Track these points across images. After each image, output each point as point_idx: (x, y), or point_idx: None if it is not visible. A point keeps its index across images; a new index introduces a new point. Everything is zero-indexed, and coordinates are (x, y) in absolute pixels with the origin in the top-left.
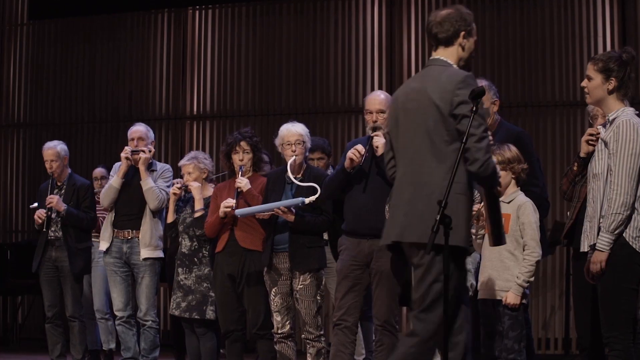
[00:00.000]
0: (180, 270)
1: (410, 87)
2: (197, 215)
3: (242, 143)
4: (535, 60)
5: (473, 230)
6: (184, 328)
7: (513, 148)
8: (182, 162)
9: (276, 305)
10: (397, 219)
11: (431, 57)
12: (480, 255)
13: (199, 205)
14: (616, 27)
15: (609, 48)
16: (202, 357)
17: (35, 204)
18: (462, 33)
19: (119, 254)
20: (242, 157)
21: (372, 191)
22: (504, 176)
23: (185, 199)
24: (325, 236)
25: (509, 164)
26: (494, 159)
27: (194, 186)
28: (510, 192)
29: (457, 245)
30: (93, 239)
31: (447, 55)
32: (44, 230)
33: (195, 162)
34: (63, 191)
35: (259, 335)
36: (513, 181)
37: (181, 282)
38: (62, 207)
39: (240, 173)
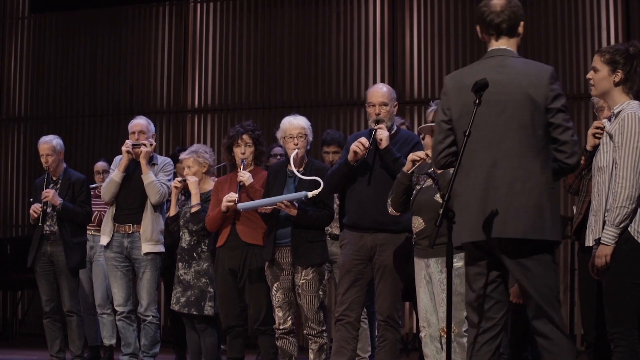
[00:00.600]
0: (180, 265)
1: (489, 78)
2: (193, 210)
3: (244, 136)
4: (539, 54)
5: None
6: (184, 323)
7: None
8: (182, 156)
9: (278, 300)
10: (491, 216)
11: (496, 48)
12: None
13: (195, 200)
14: (620, 20)
15: (612, 41)
16: (203, 353)
17: (32, 200)
18: (522, 23)
19: (119, 249)
20: (244, 151)
21: (376, 184)
22: None
23: (189, 193)
24: (337, 230)
25: None
26: None
27: (191, 180)
28: None
29: (558, 240)
30: (94, 234)
31: (511, 45)
32: (39, 224)
33: (194, 156)
34: (58, 186)
35: (261, 331)
36: None
37: (181, 277)
38: (58, 201)
39: (242, 166)
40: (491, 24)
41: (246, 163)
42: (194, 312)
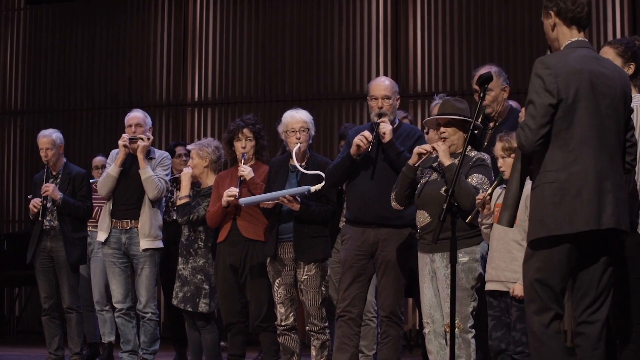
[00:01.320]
0: (180, 259)
1: (594, 68)
2: (180, 202)
3: (245, 130)
4: (544, 46)
5: (479, 220)
6: (184, 320)
7: None
8: (189, 146)
9: (280, 296)
10: (607, 205)
11: (582, 39)
12: (488, 245)
13: (184, 192)
14: (626, 12)
15: (619, 34)
16: (204, 350)
17: (30, 196)
18: None
19: (117, 245)
20: (244, 145)
21: (379, 178)
22: (511, 164)
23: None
24: None
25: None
26: (499, 145)
27: (184, 172)
28: None
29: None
30: (91, 229)
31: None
32: (39, 219)
33: (197, 148)
34: (58, 180)
35: (262, 328)
36: None
37: (180, 272)
38: (58, 195)
39: (242, 161)
40: (576, 16)
41: (247, 157)
42: (189, 309)
